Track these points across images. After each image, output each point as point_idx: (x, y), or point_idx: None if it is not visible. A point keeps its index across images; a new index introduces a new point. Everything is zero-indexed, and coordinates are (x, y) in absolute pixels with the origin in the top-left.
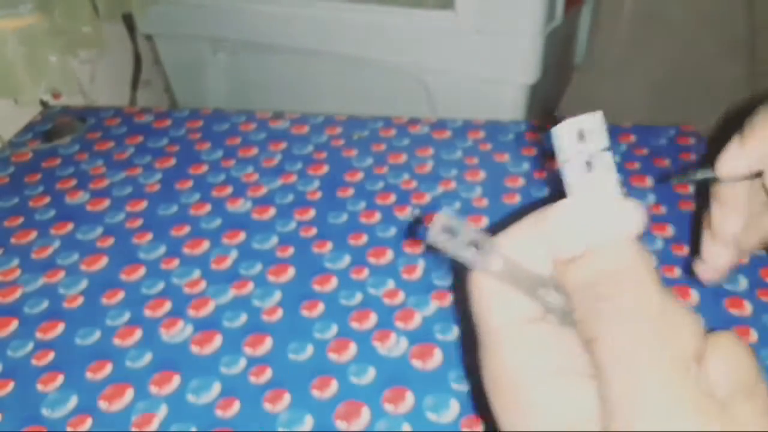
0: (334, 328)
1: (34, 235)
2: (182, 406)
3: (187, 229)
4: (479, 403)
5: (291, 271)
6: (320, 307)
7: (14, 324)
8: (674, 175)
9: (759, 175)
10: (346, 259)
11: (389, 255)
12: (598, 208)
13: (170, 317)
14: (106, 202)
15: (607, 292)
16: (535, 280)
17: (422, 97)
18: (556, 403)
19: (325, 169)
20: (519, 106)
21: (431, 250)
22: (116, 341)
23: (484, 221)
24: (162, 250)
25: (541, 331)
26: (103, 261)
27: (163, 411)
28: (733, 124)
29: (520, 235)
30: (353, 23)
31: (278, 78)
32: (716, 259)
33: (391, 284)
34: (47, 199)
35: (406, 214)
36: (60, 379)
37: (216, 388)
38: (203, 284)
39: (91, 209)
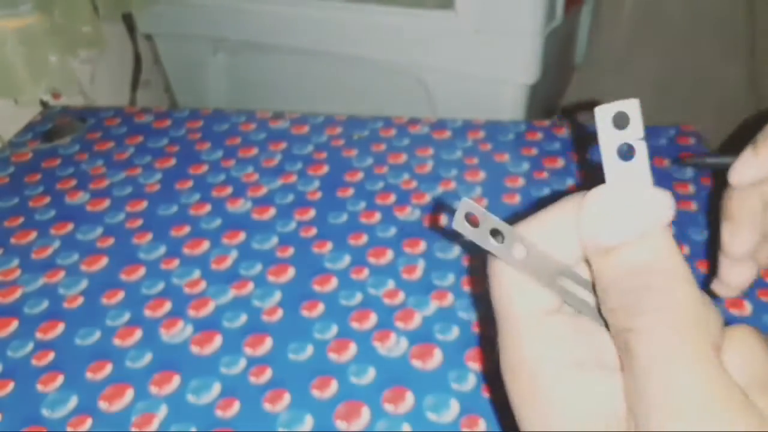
0: (334, 328)
1: (34, 235)
2: (182, 407)
3: (187, 229)
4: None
5: (291, 271)
6: (320, 307)
7: (14, 324)
8: (691, 158)
9: None
10: (346, 259)
11: (389, 255)
12: (634, 196)
13: (170, 317)
14: (106, 203)
15: (646, 284)
16: (556, 269)
17: (422, 97)
18: (575, 395)
19: (325, 169)
20: (519, 106)
21: (430, 250)
22: (116, 341)
23: None
24: (162, 250)
25: (561, 323)
26: (103, 261)
27: (163, 411)
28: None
29: (552, 220)
30: (353, 23)
31: (278, 78)
32: (731, 277)
33: (391, 284)
34: (47, 199)
35: (406, 214)
36: (60, 379)
37: (216, 388)
38: (203, 284)
39: (91, 209)
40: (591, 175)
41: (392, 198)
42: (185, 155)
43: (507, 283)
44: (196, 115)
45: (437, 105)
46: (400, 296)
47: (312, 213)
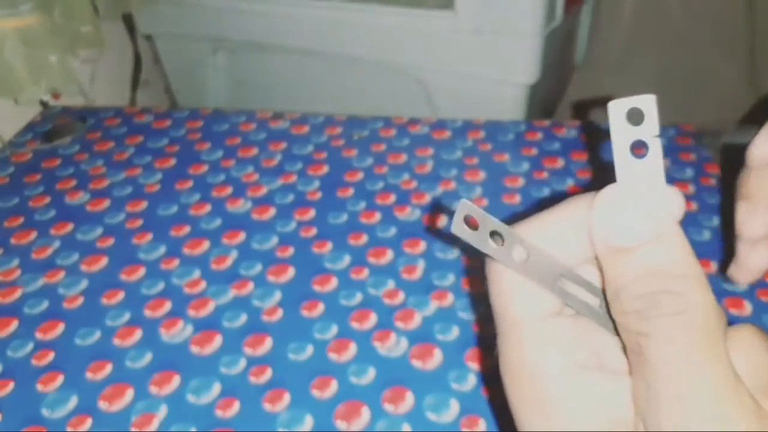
0: (334, 328)
1: (34, 235)
2: (182, 407)
3: (187, 229)
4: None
5: (291, 271)
6: (320, 307)
7: (14, 324)
8: (706, 137)
9: None
10: (346, 259)
11: (389, 255)
12: (648, 196)
13: (170, 317)
14: (106, 203)
15: (661, 288)
16: (557, 270)
17: (422, 97)
18: (577, 397)
19: (325, 169)
20: (519, 106)
21: (430, 250)
22: (116, 341)
23: None
24: (162, 250)
25: (562, 326)
26: (103, 261)
27: (163, 411)
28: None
29: (556, 221)
30: (353, 23)
31: (278, 78)
32: (749, 261)
33: (391, 284)
34: (47, 200)
35: (406, 214)
36: (60, 379)
37: (216, 388)
38: (203, 284)
39: (91, 209)
40: (591, 176)
41: (392, 198)
42: (185, 155)
43: (507, 285)
44: (196, 115)
45: (437, 105)
46: (400, 296)
47: (312, 213)
